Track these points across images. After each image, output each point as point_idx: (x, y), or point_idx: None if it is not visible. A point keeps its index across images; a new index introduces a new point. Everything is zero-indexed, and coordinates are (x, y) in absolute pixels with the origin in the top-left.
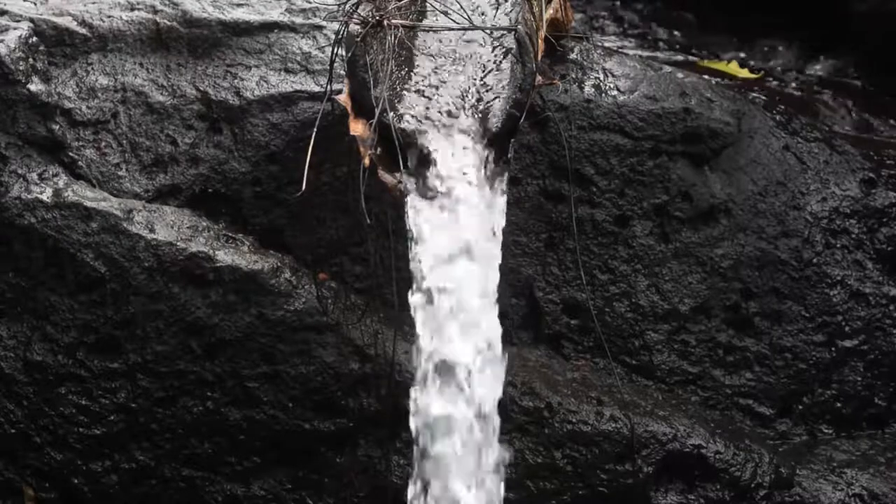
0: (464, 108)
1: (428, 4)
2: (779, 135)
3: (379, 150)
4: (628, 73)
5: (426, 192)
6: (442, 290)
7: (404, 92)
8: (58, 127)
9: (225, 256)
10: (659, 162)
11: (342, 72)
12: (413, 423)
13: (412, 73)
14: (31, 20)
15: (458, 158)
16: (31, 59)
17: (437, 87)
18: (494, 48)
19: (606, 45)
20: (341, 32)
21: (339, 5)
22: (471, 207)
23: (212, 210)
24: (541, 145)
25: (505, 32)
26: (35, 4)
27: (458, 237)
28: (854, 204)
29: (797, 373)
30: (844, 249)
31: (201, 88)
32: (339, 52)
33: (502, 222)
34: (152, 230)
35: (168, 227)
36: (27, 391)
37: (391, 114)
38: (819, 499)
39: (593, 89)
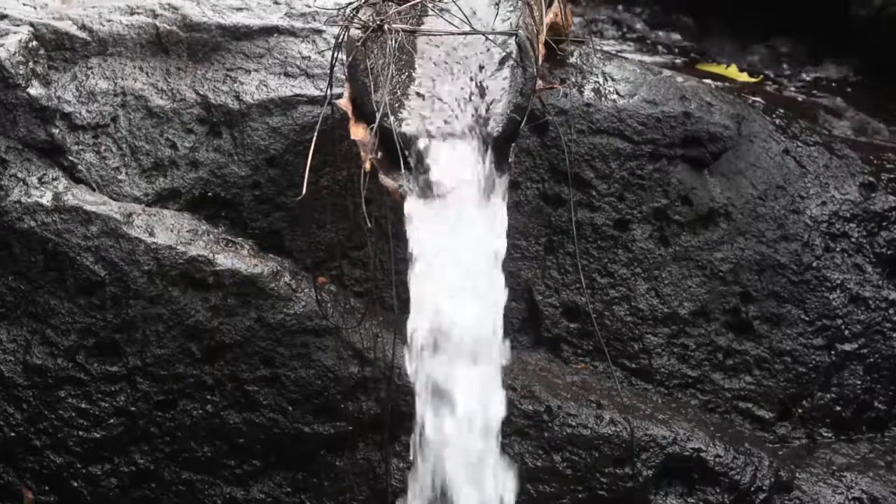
0: (465, 112)
1: (428, 9)
2: (778, 139)
3: (379, 154)
4: (628, 77)
5: (427, 196)
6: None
7: (405, 96)
8: (57, 131)
9: (224, 260)
10: (658, 166)
11: (342, 76)
12: None
13: (413, 78)
14: (32, 24)
15: (458, 162)
16: (31, 63)
17: (438, 92)
18: (495, 52)
19: (606, 49)
20: (341, 37)
21: (339, 10)
22: (471, 211)
23: (211, 214)
24: (540, 149)
25: (506, 37)
26: (35, 8)
27: (458, 240)
28: (854, 208)
29: (797, 376)
30: (844, 253)
31: (201, 92)
32: (340, 56)
33: (503, 225)
34: (152, 234)
35: (168, 230)
36: (27, 394)
37: (392, 118)
38: (819, 502)
39: (593, 93)
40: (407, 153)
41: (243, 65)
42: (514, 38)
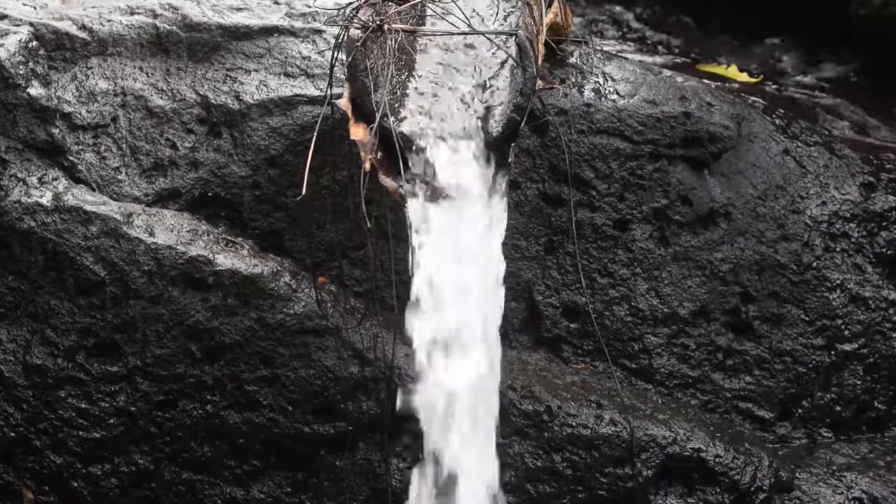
0: (464, 112)
1: (428, 9)
2: (778, 139)
3: (379, 154)
4: (628, 77)
5: (426, 196)
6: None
7: (405, 96)
8: (57, 131)
9: (224, 260)
10: (658, 166)
11: (342, 76)
12: None
13: (413, 78)
14: (32, 24)
15: (458, 162)
16: (30, 64)
17: (437, 92)
18: (495, 52)
19: (606, 49)
20: (341, 37)
21: (339, 10)
22: (471, 211)
23: (211, 214)
24: (540, 149)
25: (505, 37)
26: (35, 8)
27: (458, 240)
28: (854, 208)
29: (797, 376)
30: (844, 253)
31: (201, 92)
32: (339, 56)
33: (503, 226)
34: (152, 234)
35: (168, 230)
36: (27, 394)
37: (392, 118)
38: (819, 502)
39: (593, 93)
40: (407, 153)
41: (243, 65)
42: (514, 38)
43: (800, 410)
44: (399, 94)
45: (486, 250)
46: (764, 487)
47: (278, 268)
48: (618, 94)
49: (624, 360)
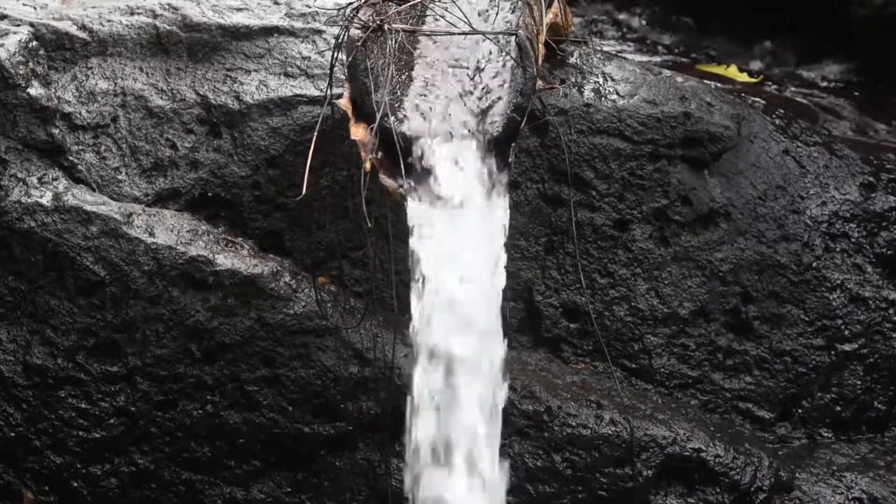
0: (464, 112)
1: (429, 9)
2: (778, 139)
3: (379, 154)
4: (628, 77)
5: (427, 197)
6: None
7: (405, 96)
8: (57, 131)
9: (224, 260)
10: (658, 166)
11: (342, 76)
12: None
13: (413, 78)
14: (31, 24)
15: (458, 163)
16: (30, 64)
17: (437, 92)
18: (495, 53)
19: (606, 49)
20: (341, 37)
21: (339, 10)
22: (471, 211)
23: (211, 214)
24: (540, 149)
25: (505, 37)
26: (35, 8)
27: (458, 240)
28: (854, 208)
29: (797, 376)
30: (844, 253)
31: (201, 93)
32: (340, 56)
33: (504, 226)
34: (152, 234)
35: (168, 230)
36: (27, 395)
37: (392, 118)
38: (819, 502)
39: (593, 93)
40: (407, 153)
41: (243, 65)
42: (514, 38)
43: (800, 410)
44: (399, 94)
45: (487, 250)
46: (764, 487)
47: (278, 268)
48: (618, 94)
49: (624, 360)
